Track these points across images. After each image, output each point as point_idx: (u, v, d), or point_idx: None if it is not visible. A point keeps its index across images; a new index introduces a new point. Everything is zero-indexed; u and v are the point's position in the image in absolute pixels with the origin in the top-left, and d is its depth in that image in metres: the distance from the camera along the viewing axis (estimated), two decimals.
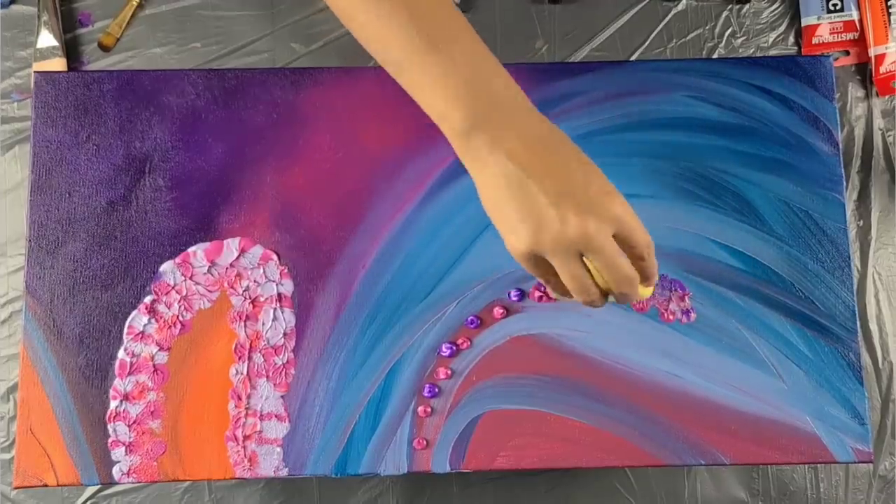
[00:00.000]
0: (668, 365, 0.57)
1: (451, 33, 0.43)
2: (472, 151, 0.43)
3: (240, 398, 0.56)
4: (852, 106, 0.77)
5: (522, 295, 0.58)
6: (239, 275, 0.58)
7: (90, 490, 0.69)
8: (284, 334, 0.57)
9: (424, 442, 0.56)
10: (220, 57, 0.76)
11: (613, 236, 0.43)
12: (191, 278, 0.57)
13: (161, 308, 0.57)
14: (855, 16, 0.77)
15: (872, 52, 0.76)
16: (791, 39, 0.78)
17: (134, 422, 0.56)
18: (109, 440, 0.55)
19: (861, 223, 0.75)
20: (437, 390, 0.56)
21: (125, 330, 0.57)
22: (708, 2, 0.78)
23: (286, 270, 0.58)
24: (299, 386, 0.56)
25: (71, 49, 0.75)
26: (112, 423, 0.55)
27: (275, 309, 0.57)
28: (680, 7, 0.78)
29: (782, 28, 0.78)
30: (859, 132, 0.76)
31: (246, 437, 0.56)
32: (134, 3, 0.76)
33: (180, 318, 0.57)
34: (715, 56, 0.77)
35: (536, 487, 0.70)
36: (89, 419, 0.56)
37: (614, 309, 0.57)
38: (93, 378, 0.56)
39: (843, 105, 0.76)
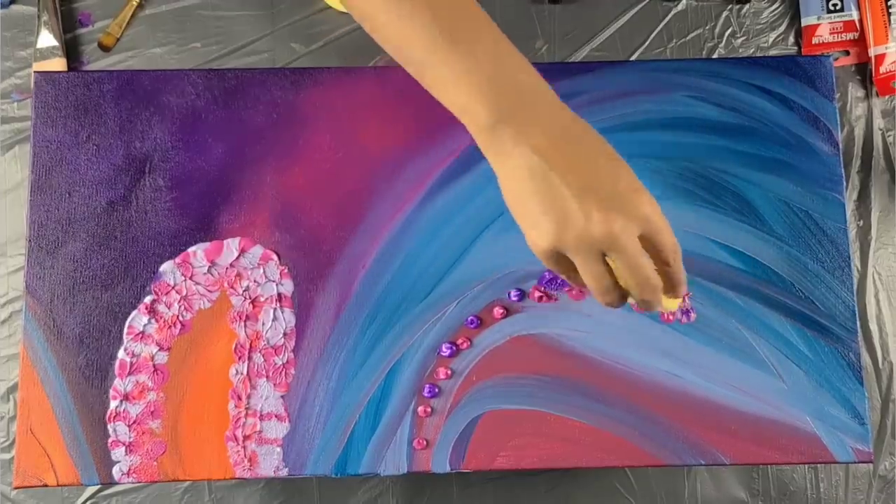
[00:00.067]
0: (668, 365, 0.57)
1: (473, 31, 0.43)
2: (495, 145, 0.42)
3: (240, 398, 0.56)
4: (852, 106, 0.77)
5: (522, 295, 0.58)
6: (239, 275, 0.58)
7: (90, 490, 0.69)
8: (284, 334, 0.57)
9: (424, 442, 0.56)
10: (220, 57, 0.76)
11: (639, 238, 0.42)
12: (191, 278, 0.57)
13: (161, 308, 0.57)
14: (855, 16, 0.77)
15: (872, 52, 0.76)
16: (791, 39, 0.78)
17: (134, 422, 0.56)
18: (109, 440, 0.55)
19: (861, 223, 0.75)
20: (437, 390, 0.56)
21: (125, 330, 0.57)
22: (708, 2, 0.78)
23: (286, 270, 0.58)
24: (299, 386, 0.56)
25: (71, 49, 0.75)
26: (112, 423, 0.55)
27: (275, 309, 0.57)
28: (680, 7, 0.78)
29: (782, 28, 0.78)
30: (859, 132, 0.76)
31: (246, 437, 0.56)
32: (134, 3, 0.76)
33: (180, 318, 0.57)
34: (715, 56, 0.77)
35: (536, 487, 0.70)
36: (89, 419, 0.56)
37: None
38: (93, 378, 0.56)
39: (843, 105, 0.76)
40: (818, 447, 0.56)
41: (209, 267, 0.58)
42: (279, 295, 0.57)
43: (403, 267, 0.58)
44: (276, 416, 0.56)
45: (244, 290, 0.57)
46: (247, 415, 0.56)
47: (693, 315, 0.58)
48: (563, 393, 0.56)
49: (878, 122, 0.76)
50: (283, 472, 0.55)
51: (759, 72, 0.61)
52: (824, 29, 0.77)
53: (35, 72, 0.60)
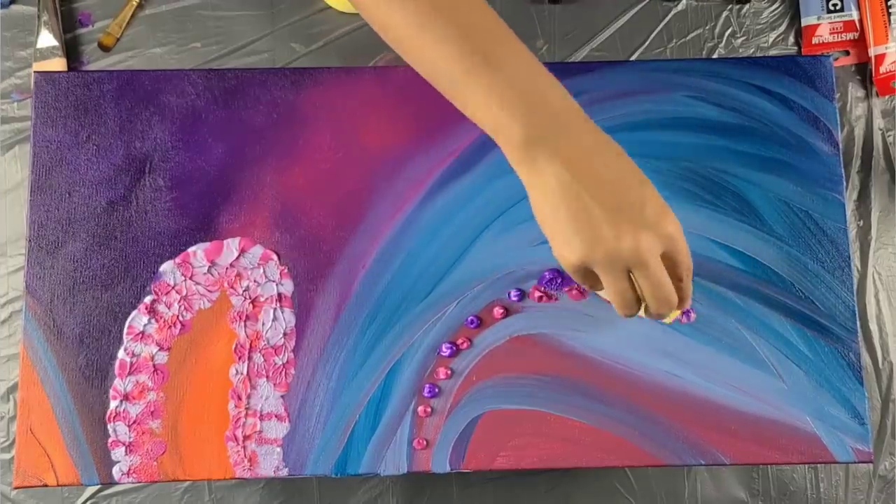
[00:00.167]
0: (668, 365, 0.57)
1: (504, 50, 0.44)
2: (528, 162, 0.43)
3: (240, 398, 0.56)
4: (852, 106, 0.77)
5: (522, 295, 0.58)
6: (239, 275, 0.58)
7: (90, 490, 0.69)
8: (284, 334, 0.57)
9: (424, 442, 0.56)
10: (220, 57, 0.76)
11: (661, 255, 0.44)
12: (191, 278, 0.57)
13: (161, 308, 0.57)
14: (855, 16, 0.77)
15: (872, 52, 0.76)
16: (791, 39, 0.78)
17: (134, 422, 0.56)
18: (109, 440, 0.55)
19: (861, 223, 0.75)
20: (437, 390, 0.56)
21: (125, 330, 0.57)
22: (708, 2, 0.78)
23: (286, 270, 0.58)
24: (299, 386, 0.56)
25: (71, 49, 0.75)
26: (112, 423, 0.55)
27: (275, 309, 0.57)
28: (680, 7, 0.78)
29: (782, 28, 0.78)
30: (859, 132, 0.76)
31: (246, 437, 0.56)
32: (134, 3, 0.76)
33: (180, 318, 0.57)
34: (715, 56, 0.77)
35: (536, 487, 0.70)
36: (89, 419, 0.56)
37: (614, 309, 0.57)
38: (93, 378, 0.56)
39: (843, 105, 0.76)
40: (818, 447, 0.56)
41: (209, 267, 0.58)
42: (279, 295, 0.57)
43: (403, 267, 0.58)
44: (276, 416, 0.56)
45: (244, 290, 0.57)
46: (247, 415, 0.56)
47: (693, 315, 0.58)
48: (563, 393, 0.56)
49: (878, 122, 0.76)
50: (283, 472, 0.55)
51: (759, 72, 0.61)
52: (824, 29, 0.77)
53: (35, 72, 0.60)
